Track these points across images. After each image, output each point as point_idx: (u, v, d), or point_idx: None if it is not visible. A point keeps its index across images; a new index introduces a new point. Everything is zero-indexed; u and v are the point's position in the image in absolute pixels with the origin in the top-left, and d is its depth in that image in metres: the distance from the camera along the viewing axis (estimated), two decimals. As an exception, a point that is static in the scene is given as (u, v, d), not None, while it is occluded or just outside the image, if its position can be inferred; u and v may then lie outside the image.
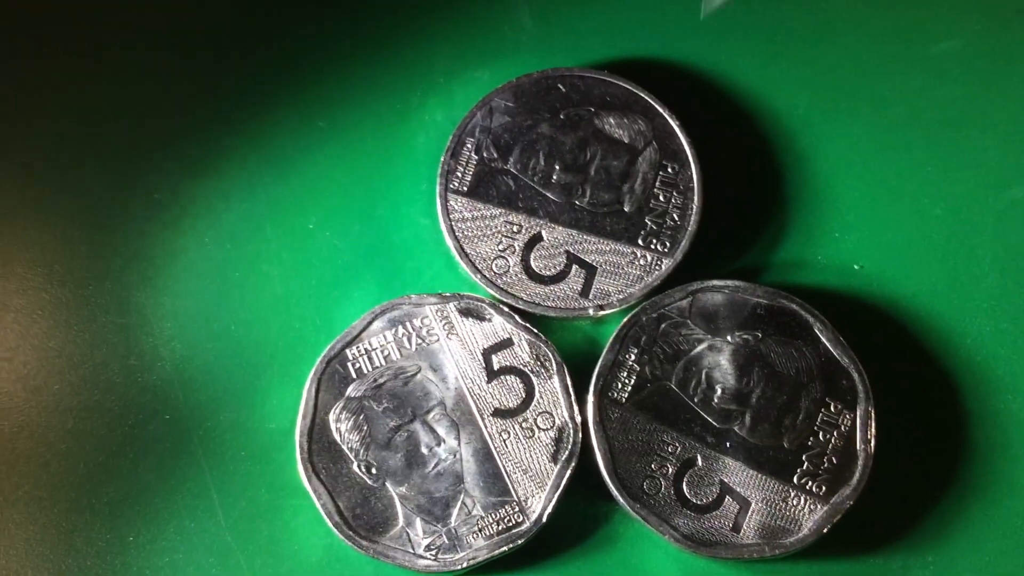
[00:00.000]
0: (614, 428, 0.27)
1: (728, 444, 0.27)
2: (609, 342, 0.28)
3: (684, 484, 0.27)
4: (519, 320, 0.28)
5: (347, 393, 0.28)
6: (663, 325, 0.28)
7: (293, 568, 0.28)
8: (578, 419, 0.28)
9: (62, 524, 0.28)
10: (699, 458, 0.27)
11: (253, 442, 0.28)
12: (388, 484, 0.27)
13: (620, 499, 0.27)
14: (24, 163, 0.30)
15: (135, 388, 0.29)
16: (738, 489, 0.27)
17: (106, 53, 0.31)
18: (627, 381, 0.28)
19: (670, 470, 0.27)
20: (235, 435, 0.28)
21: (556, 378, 0.28)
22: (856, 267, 0.30)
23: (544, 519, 0.27)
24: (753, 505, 0.27)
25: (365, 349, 0.28)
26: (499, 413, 0.28)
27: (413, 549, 0.27)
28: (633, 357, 0.28)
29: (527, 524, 0.27)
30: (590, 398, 0.28)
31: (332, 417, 0.27)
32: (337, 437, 0.27)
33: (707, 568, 0.27)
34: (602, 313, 0.29)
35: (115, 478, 0.28)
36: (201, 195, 0.30)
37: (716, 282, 0.28)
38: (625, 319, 0.28)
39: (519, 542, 0.27)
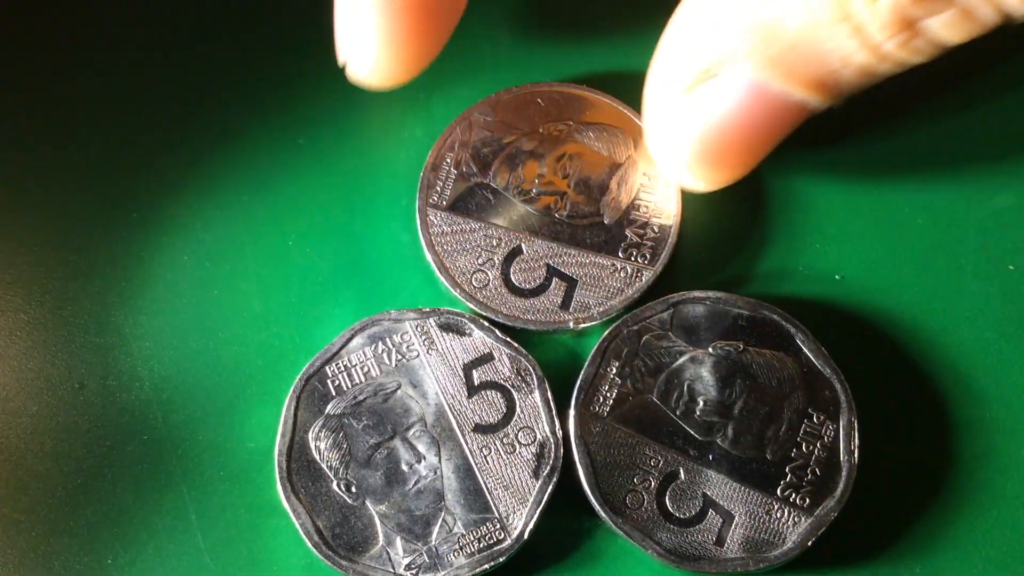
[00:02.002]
0: (596, 442, 0.27)
1: (711, 457, 0.27)
2: (590, 356, 0.28)
3: (667, 498, 0.27)
4: (499, 335, 0.28)
5: (327, 411, 0.27)
6: (644, 338, 0.28)
7: (273, 589, 0.27)
8: (559, 434, 0.27)
9: (40, 547, 0.28)
10: (682, 471, 0.27)
11: (232, 462, 0.28)
12: (368, 503, 0.27)
13: (603, 514, 0.27)
14: (0, 184, 0.30)
15: (113, 409, 0.28)
16: (721, 502, 0.27)
17: (82, 74, 0.31)
18: (608, 395, 0.28)
19: (652, 484, 0.27)
20: (214, 455, 0.28)
21: (537, 392, 0.28)
22: (837, 277, 0.29)
23: (526, 536, 0.27)
24: (736, 518, 0.27)
25: (345, 366, 0.28)
26: (480, 429, 0.27)
27: (393, 568, 0.26)
28: (614, 370, 0.28)
29: (508, 541, 0.27)
30: (571, 412, 0.27)
31: (312, 435, 0.27)
32: (317, 455, 0.27)
33: (691, 583, 0.27)
34: (583, 326, 0.28)
35: (93, 500, 0.28)
36: (179, 214, 0.30)
37: (697, 293, 0.28)
38: (606, 332, 0.28)
39: (501, 560, 0.26)
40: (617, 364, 0.28)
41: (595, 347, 0.28)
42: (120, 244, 0.30)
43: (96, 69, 0.31)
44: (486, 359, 0.28)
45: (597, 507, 0.27)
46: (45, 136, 0.30)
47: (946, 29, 0.22)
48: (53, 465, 0.28)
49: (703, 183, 0.27)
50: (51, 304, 0.29)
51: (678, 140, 0.26)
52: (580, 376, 0.28)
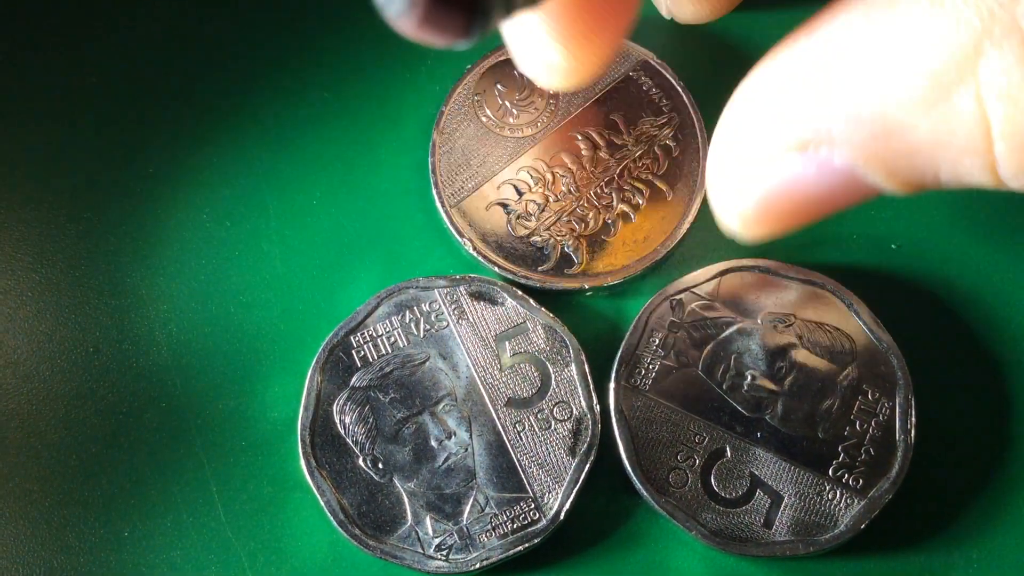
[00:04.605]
0: (637, 418, 0.26)
1: (759, 434, 0.26)
2: (631, 326, 0.27)
3: (712, 477, 0.26)
4: (533, 304, 0.27)
5: (352, 383, 0.26)
6: (689, 308, 0.27)
7: (296, 567, 0.26)
8: (597, 409, 0.26)
9: (54, 518, 0.27)
10: (728, 449, 0.26)
11: (254, 432, 0.27)
12: (396, 479, 0.26)
13: (644, 493, 0.26)
14: (10, 135, 0.29)
15: (129, 374, 0.28)
16: (769, 482, 0.26)
17: (99, 21, 0.30)
18: (650, 367, 0.26)
19: (697, 462, 0.26)
20: (235, 425, 0.27)
21: (573, 365, 0.26)
22: (894, 247, 0.28)
23: (562, 516, 0.26)
24: (786, 499, 0.26)
25: (370, 335, 0.27)
26: (513, 403, 0.26)
27: (423, 549, 0.25)
28: (657, 342, 0.26)
29: (544, 522, 0.26)
30: (611, 386, 0.26)
31: (336, 408, 0.26)
32: (341, 430, 0.26)
33: (736, 566, 0.26)
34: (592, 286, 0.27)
35: (109, 470, 0.27)
36: (198, 169, 0.29)
37: (745, 261, 0.27)
38: (648, 301, 0.27)
39: (535, 541, 0.25)
40: (660, 336, 0.27)
41: (636, 317, 0.27)
42: (136, 200, 0.29)
43: (114, 16, 0.30)
44: (520, 330, 0.27)
45: (638, 485, 0.26)
46: (59, 85, 0.30)
47: None
48: (67, 432, 0.27)
49: (750, 237, 0.25)
50: (63, 264, 0.29)
51: (742, 197, 0.24)
52: (620, 348, 0.27)
